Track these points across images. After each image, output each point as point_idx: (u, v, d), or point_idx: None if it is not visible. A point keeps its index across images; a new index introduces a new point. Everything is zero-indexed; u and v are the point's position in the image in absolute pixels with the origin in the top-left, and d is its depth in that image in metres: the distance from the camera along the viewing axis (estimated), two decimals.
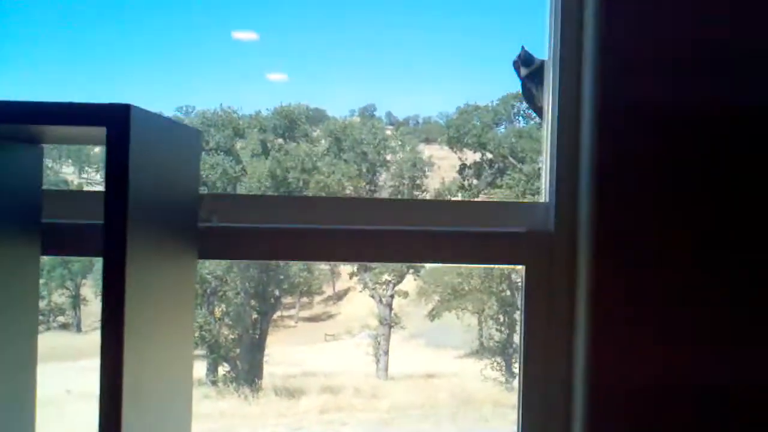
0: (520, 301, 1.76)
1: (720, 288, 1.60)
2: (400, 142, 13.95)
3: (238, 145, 13.42)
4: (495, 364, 13.14)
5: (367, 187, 13.26)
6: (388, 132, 14.17)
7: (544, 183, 1.79)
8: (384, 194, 13.35)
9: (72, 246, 1.69)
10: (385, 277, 13.15)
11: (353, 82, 16.48)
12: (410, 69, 16.91)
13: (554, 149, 1.73)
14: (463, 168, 13.53)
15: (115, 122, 1.10)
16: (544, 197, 1.79)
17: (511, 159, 13.16)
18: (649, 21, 1.59)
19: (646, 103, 1.59)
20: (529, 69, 1.93)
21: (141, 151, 1.15)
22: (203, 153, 13.09)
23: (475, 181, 13.48)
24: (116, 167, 1.11)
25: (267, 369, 13.30)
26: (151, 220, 1.24)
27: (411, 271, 12.69)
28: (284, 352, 13.88)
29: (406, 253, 1.73)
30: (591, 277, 1.61)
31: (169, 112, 15.04)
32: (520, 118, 13.50)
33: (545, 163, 1.78)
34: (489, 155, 13.39)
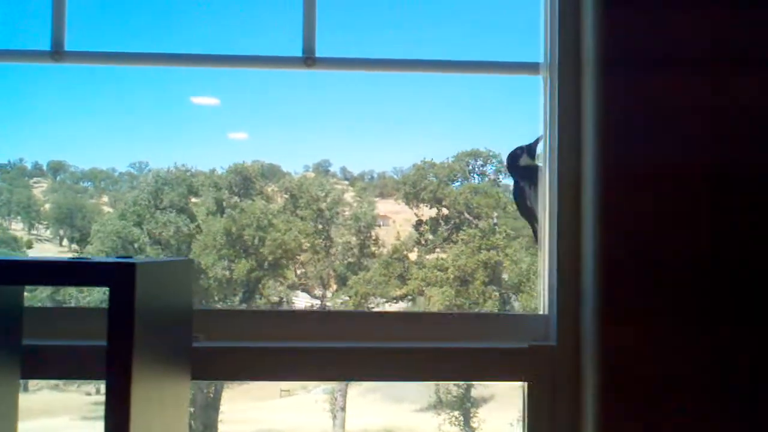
0: (523, 416, 1.73)
1: (734, 418, 1.57)
2: (359, 198, 13.98)
3: (193, 202, 13.34)
4: (453, 418, 13.08)
5: (324, 243, 13.22)
6: (343, 187, 14.21)
7: (543, 294, 1.77)
8: (339, 249, 13.31)
9: (54, 368, 1.63)
10: None
11: (308, 137, 16.56)
12: (364, 125, 17.05)
13: (553, 257, 1.71)
14: (419, 224, 13.57)
15: (118, 281, 1.10)
16: (542, 309, 1.78)
17: (466, 215, 13.24)
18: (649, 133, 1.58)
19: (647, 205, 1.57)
20: (531, 161, 1.88)
21: (142, 298, 1.14)
22: (157, 211, 12.99)
23: (430, 237, 13.51)
24: (120, 320, 1.10)
25: (222, 428, 13.10)
26: (148, 347, 1.22)
27: None
28: (239, 409, 13.68)
29: (406, 372, 1.68)
30: (597, 394, 1.57)
31: (122, 167, 14.98)
32: (476, 176, 13.61)
33: (543, 272, 1.76)
34: (445, 211, 13.45)
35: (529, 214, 1.88)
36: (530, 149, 1.89)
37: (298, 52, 1.76)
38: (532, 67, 1.80)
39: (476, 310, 12.14)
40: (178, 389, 1.46)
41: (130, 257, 1.33)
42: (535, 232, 1.86)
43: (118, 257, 1.32)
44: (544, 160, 1.76)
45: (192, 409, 13.38)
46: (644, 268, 1.58)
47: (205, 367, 1.63)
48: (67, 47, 1.76)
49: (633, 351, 1.58)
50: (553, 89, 1.72)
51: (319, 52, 1.78)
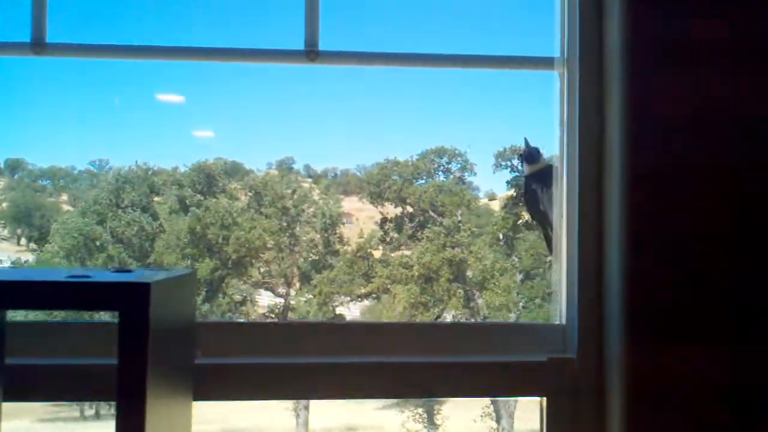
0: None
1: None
2: (324, 196, 13.90)
3: (156, 201, 13.18)
4: (417, 416, 13.04)
5: (289, 241, 13.11)
6: (306, 185, 14.11)
7: (560, 302, 1.68)
8: (304, 246, 13.22)
9: (37, 389, 1.50)
10: None
11: (272, 135, 16.44)
12: (328, 121, 16.95)
13: (573, 264, 1.61)
14: (384, 221, 13.50)
15: (131, 304, 1.01)
16: (559, 319, 1.68)
17: (431, 213, 13.19)
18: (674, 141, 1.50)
19: (675, 220, 1.48)
20: (533, 167, 1.80)
21: (153, 318, 1.04)
22: (120, 210, 12.80)
23: (395, 235, 13.45)
24: (132, 344, 1.00)
25: None
26: (157, 367, 1.12)
27: None
28: (203, 411, 13.46)
29: (420, 389, 1.58)
30: (623, 409, 1.48)
31: (82, 165, 14.72)
32: (440, 173, 13.57)
33: (560, 279, 1.67)
34: (409, 209, 13.40)
35: (542, 218, 1.77)
36: (527, 156, 1.81)
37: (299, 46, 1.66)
38: (546, 62, 1.70)
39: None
40: (182, 407, 1.37)
41: (130, 270, 1.22)
42: (548, 237, 1.76)
43: (116, 271, 1.21)
44: (562, 161, 1.66)
45: None
46: (675, 276, 1.49)
47: (207, 386, 1.52)
48: (48, 39, 1.64)
49: (663, 363, 1.48)
50: (572, 85, 1.62)
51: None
